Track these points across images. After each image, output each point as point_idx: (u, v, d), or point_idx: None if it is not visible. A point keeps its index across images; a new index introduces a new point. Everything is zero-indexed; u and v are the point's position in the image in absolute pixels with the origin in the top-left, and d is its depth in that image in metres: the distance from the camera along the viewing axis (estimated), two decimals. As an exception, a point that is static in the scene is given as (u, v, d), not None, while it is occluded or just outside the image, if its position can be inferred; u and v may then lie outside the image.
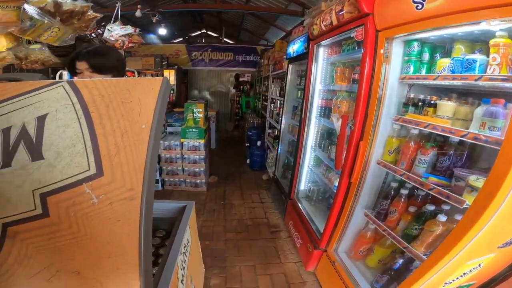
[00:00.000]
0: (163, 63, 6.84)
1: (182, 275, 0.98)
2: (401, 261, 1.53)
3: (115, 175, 0.64)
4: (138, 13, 1.81)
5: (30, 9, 1.26)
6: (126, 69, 5.02)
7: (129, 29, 1.93)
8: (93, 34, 2.35)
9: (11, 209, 0.64)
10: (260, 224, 2.97)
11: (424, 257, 1.26)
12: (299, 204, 2.69)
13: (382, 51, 1.54)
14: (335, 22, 1.92)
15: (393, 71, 1.56)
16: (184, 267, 1.01)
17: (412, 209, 1.48)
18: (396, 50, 1.54)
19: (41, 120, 0.75)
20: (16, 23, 1.19)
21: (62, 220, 0.62)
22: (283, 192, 3.23)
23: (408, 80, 1.52)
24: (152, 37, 6.74)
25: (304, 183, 2.88)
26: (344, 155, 1.80)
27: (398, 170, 1.47)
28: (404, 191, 1.52)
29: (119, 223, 0.60)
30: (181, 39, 8.17)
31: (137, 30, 1.96)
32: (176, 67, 6.95)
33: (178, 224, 1.14)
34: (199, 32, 9.46)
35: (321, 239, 2.03)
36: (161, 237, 1.22)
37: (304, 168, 2.83)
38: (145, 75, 6.71)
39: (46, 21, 1.37)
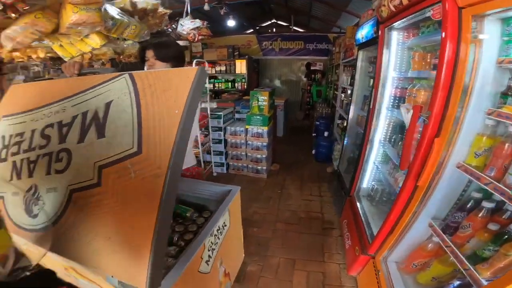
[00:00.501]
0: (235, 54, 7.17)
1: (209, 256, 1.04)
2: (456, 283, 1.25)
3: (149, 154, 0.73)
4: (206, 7, 1.95)
5: (111, 9, 1.51)
6: (200, 60, 5.45)
7: (198, 23, 2.10)
8: (169, 29, 2.66)
9: (78, 178, 0.81)
10: (313, 218, 2.88)
11: (485, 282, 1.00)
12: (357, 203, 2.48)
13: (468, 31, 1.22)
14: (405, 1, 1.62)
15: (487, 54, 1.22)
16: (213, 249, 1.08)
17: (493, 227, 1.16)
18: (490, 29, 1.19)
19: (107, 106, 0.90)
20: (100, 23, 1.45)
21: (108, 190, 0.74)
22: (343, 187, 3.02)
23: (509, 64, 1.16)
24: (225, 29, 7.13)
25: (367, 181, 2.62)
26: (414, 153, 1.54)
27: (483, 177, 1.17)
28: (488, 205, 1.21)
29: (145, 197, 0.68)
30: (252, 30, 8.36)
31: (205, 23, 2.12)
32: (247, 57, 7.19)
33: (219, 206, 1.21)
34: (269, 22, 9.50)
35: (372, 244, 1.83)
36: (206, 217, 1.32)
37: (369, 164, 2.56)
38: (220, 65, 7.21)
39: (125, 20, 1.62)
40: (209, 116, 3.85)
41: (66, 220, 0.80)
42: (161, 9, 1.94)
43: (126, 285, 0.74)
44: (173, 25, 2.46)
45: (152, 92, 0.83)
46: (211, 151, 4.05)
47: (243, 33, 8.30)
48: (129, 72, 0.94)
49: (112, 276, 0.74)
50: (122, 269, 0.72)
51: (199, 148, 3.47)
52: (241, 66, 7.12)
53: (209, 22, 2.40)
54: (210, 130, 3.93)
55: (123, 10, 1.63)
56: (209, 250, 1.05)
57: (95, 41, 1.67)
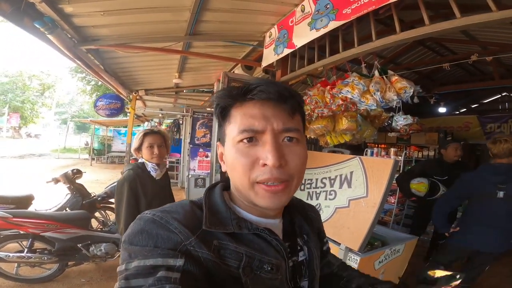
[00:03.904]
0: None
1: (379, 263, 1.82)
2: None
3: (371, 197, 1.76)
4: (416, 100, 2.33)
5: (359, 118, 2.79)
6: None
7: (409, 119, 2.69)
8: (385, 124, 3.58)
9: (339, 202, 1.99)
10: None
11: None
12: None
13: None
14: None
15: None
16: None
17: None
18: None
19: (351, 173, 2.08)
20: (356, 129, 2.73)
21: (351, 209, 1.84)
22: None
23: None
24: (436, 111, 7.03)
25: None
26: None
27: None
28: None
29: (367, 215, 1.70)
30: (469, 108, 7.39)
31: (416, 119, 2.65)
32: (462, 142, 6.60)
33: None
34: (497, 97, 7.72)
35: None
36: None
37: None
38: (428, 150, 7.06)
39: (367, 125, 2.83)
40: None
41: (336, 217, 1.99)
42: (383, 115, 3.03)
43: (348, 248, 1.75)
44: (388, 120, 3.29)
45: (372, 170, 1.89)
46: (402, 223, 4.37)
47: (459, 113, 7.67)
48: (359, 156, 2.08)
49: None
50: (349, 241, 1.75)
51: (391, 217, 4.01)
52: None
53: (418, 104, 2.77)
54: (405, 206, 4.34)
55: (361, 115, 2.87)
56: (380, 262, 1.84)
57: (347, 137, 3.04)
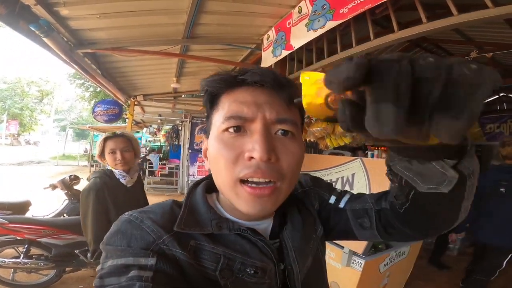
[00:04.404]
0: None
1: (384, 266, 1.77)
2: None
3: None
4: None
5: None
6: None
7: None
8: None
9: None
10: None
11: None
12: None
13: None
14: None
15: None
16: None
17: None
18: None
19: (352, 175, 2.05)
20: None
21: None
22: None
23: None
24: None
25: None
26: None
27: None
28: None
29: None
30: None
31: None
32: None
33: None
34: (495, 97, 7.77)
35: None
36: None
37: None
38: None
39: None
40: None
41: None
42: None
43: (352, 251, 1.71)
44: None
45: (374, 170, 1.87)
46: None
47: None
48: (360, 157, 2.06)
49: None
50: (353, 244, 1.71)
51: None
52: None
53: None
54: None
55: None
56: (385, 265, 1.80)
57: (347, 139, 3.03)
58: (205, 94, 0.49)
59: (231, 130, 0.43)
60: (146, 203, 1.87)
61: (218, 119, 0.45)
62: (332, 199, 0.60)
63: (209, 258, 0.43)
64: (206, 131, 0.50)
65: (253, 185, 0.42)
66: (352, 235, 0.58)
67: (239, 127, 0.43)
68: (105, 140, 1.60)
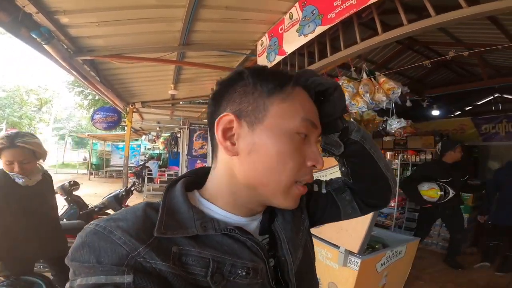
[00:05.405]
0: (443, 139, 6.88)
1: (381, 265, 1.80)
2: None
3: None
4: (408, 103, 2.34)
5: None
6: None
7: (403, 123, 2.66)
8: (380, 128, 3.54)
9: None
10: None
11: None
12: None
13: None
14: None
15: None
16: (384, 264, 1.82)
17: None
18: None
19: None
20: None
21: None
22: None
23: None
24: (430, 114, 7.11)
25: None
26: None
27: None
28: None
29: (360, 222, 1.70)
30: (462, 111, 7.46)
31: (409, 122, 2.64)
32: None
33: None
34: (490, 98, 7.83)
35: None
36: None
37: None
38: (425, 153, 7.05)
39: None
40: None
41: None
42: (377, 118, 3.05)
43: (348, 251, 1.74)
44: (383, 124, 3.24)
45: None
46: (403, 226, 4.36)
47: (453, 116, 7.74)
48: None
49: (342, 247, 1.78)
50: (348, 243, 1.74)
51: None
52: (448, 155, 6.65)
53: (412, 109, 2.81)
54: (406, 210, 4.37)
55: (355, 120, 2.89)
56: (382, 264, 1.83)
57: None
58: (268, 76, 0.45)
59: (302, 134, 0.44)
60: (55, 204, 1.77)
61: (289, 115, 0.43)
62: (315, 188, 0.63)
63: (197, 264, 0.39)
64: (239, 112, 0.44)
65: (304, 184, 0.46)
66: (338, 214, 0.63)
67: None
68: (1, 150, 1.43)
